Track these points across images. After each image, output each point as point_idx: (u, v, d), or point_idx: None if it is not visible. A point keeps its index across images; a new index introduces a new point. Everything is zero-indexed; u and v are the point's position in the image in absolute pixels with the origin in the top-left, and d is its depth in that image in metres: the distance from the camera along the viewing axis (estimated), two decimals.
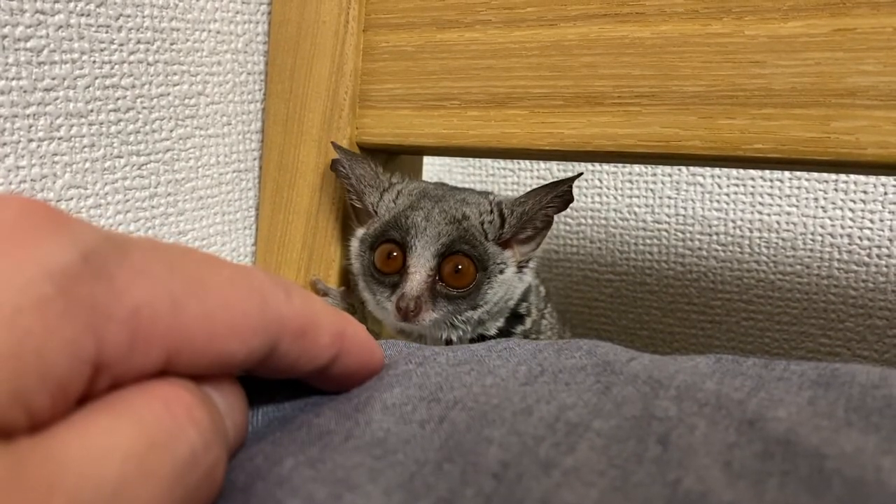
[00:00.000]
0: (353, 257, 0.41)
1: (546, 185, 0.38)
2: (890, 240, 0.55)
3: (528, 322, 0.42)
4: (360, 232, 0.41)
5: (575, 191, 0.65)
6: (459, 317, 0.38)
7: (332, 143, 0.42)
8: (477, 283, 0.37)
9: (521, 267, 0.40)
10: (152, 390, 0.15)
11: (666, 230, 0.61)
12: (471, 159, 0.67)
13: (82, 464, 0.13)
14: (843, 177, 0.56)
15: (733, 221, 0.59)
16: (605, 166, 0.63)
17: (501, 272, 0.39)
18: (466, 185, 0.70)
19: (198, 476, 0.15)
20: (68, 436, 0.14)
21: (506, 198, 0.40)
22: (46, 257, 0.14)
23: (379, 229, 0.39)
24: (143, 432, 0.14)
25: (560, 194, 0.38)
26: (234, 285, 0.17)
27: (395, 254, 0.38)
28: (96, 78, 0.38)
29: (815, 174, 0.56)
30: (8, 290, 0.13)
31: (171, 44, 0.42)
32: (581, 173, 0.38)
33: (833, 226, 0.56)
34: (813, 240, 0.57)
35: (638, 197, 0.62)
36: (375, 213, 0.40)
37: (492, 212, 0.38)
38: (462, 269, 0.37)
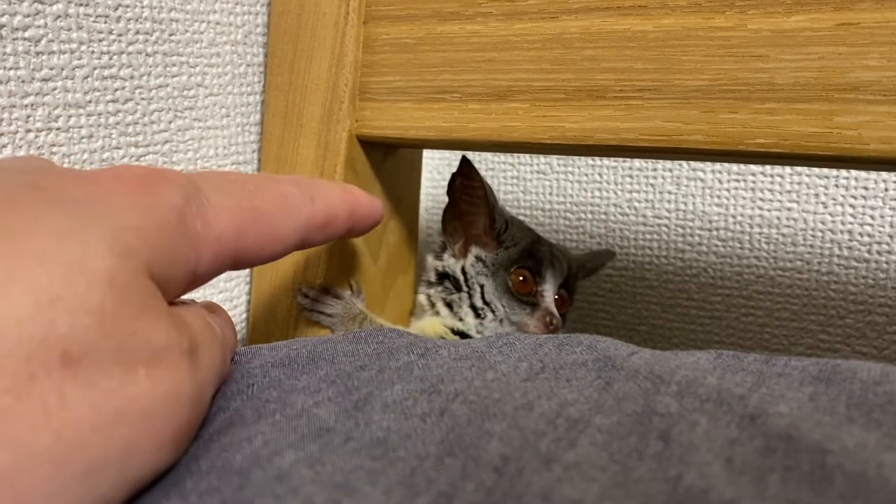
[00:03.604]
0: (473, 274, 0.44)
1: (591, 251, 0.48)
2: (890, 236, 0.55)
3: None
4: (479, 252, 0.45)
5: (574, 185, 0.65)
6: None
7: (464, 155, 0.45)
8: (567, 310, 0.47)
9: None
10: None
11: (666, 225, 0.61)
12: (470, 153, 0.67)
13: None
14: (843, 173, 0.56)
15: (734, 217, 0.59)
16: (605, 161, 0.63)
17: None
18: None
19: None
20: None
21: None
22: (168, 199, 0.20)
23: (515, 256, 0.44)
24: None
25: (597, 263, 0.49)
26: (277, 208, 0.24)
27: (525, 278, 0.44)
28: (95, 68, 0.37)
29: (816, 170, 0.56)
30: (150, 217, 0.19)
31: (171, 34, 0.41)
32: (614, 254, 0.45)
33: (833, 222, 0.56)
34: (813, 236, 0.57)
35: (638, 192, 0.62)
36: (498, 239, 0.45)
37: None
38: (563, 298, 0.46)
